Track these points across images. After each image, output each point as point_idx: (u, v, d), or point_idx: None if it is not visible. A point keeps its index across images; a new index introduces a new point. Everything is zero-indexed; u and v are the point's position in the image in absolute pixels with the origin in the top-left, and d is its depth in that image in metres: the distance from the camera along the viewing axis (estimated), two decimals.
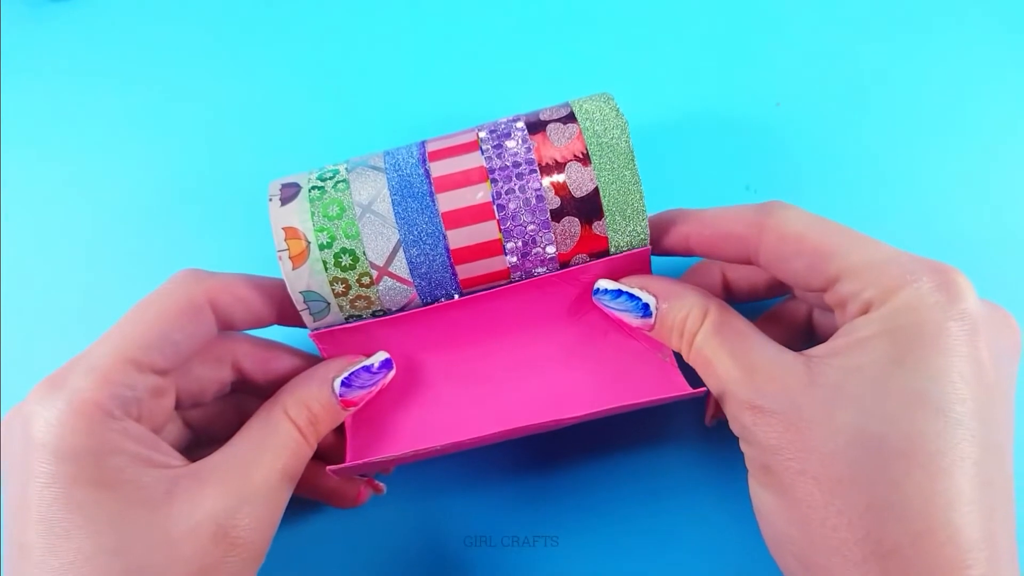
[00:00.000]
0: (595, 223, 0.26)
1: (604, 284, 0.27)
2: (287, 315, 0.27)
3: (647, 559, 0.30)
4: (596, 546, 0.31)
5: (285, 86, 0.36)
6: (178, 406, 0.26)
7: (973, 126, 0.35)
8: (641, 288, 0.26)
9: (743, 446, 0.24)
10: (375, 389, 0.27)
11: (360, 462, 0.27)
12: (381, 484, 0.30)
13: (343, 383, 0.26)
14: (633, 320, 0.26)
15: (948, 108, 0.35)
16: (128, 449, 0.22)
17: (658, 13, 0.37)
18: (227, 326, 0.26)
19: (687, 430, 0.32)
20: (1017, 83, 0.35)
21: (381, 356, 0.27)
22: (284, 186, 0.27)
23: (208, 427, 0.28)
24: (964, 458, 0.21)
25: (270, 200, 0.26)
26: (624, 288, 0.26)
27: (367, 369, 0.27)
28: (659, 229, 0.28)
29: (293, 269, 0.25)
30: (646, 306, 0.26)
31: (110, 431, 0.22)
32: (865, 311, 0.23)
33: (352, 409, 0.27)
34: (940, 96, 0.35)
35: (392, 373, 0.27)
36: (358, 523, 0.30)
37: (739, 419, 0.24)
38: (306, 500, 0.30)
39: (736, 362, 0.24)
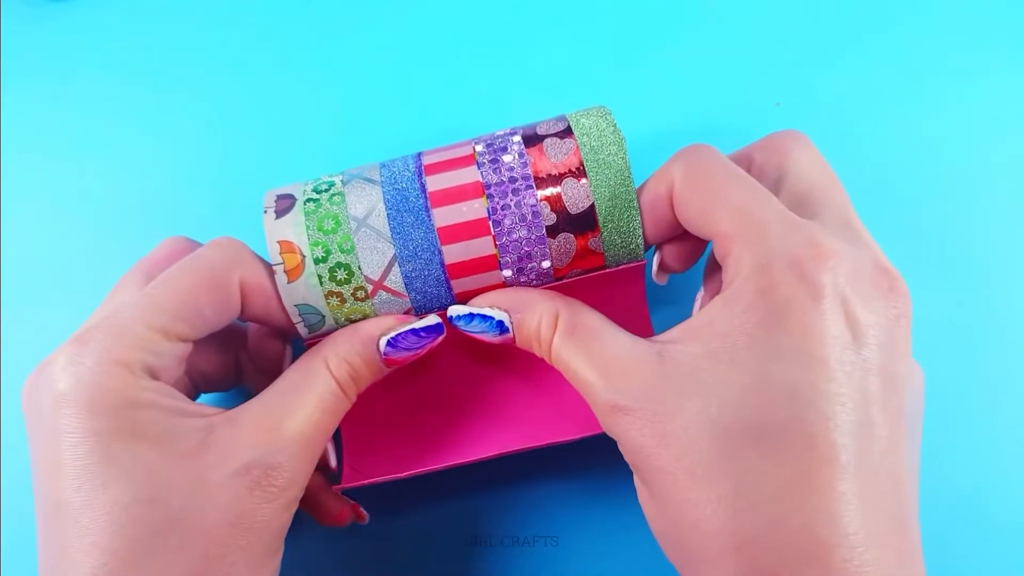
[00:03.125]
0: (591, 239, 0.26)
1: (454, 311, 0.26)
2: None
3: (647, 559, 0.30)
4: (596, 546, 0.31)
5: (285, 87, 0.36)
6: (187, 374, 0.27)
7: (973, 125, 0.35)
8: (491, 306, 0.26)
9: (619, 446, 0.23)
10: (421, 352, 0.26)
11: (360, 483, 0.27)
12: (365, 513, 0.30)
13: (389, 343, 0.25)
14: (495, 339, 0.26)
15: (948, 108, 0.35)
16: (160, 403, 0.22)
17: (657, 13, 0.37)
18: (243, 313, 0.26)
19: None
20: (1018, 83, 0.35)
21: (431, 320, 0.26)
22: (279, 197, 0.27)
23: (209, 377, 0.29)
24: (822, 442, 0.20)
25: (265, 212, 0.26)
26: (474, 310, 0.26)
27: (415, 332, 0.26)
28: None
29: (288, 283, 0.25)
30: (500, 323, 0.25)
31: (141, 388, 0.22)
32: (727, 284, 0.22)
33: (395, 367, 0.26)
34: (940, 96, 0.35)
35: (442, 337, 0.26)
36: (358, 523, 0.30)
37: (604, 421, 0.23)
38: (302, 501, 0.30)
39: (591, 363, 0.23)
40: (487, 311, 0.26)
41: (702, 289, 0.29)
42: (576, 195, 0.25)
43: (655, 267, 0.29)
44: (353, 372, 0.25)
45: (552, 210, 0.25)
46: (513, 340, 0.26)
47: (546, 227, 0.26)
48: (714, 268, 0.28)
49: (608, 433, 0.23)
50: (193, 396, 0.29)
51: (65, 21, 0.37)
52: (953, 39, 0.36)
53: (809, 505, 0.19)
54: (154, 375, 0.23)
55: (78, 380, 0.22)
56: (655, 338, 0.23)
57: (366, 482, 0.27)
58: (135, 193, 0.35)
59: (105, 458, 0.21)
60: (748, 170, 0.25)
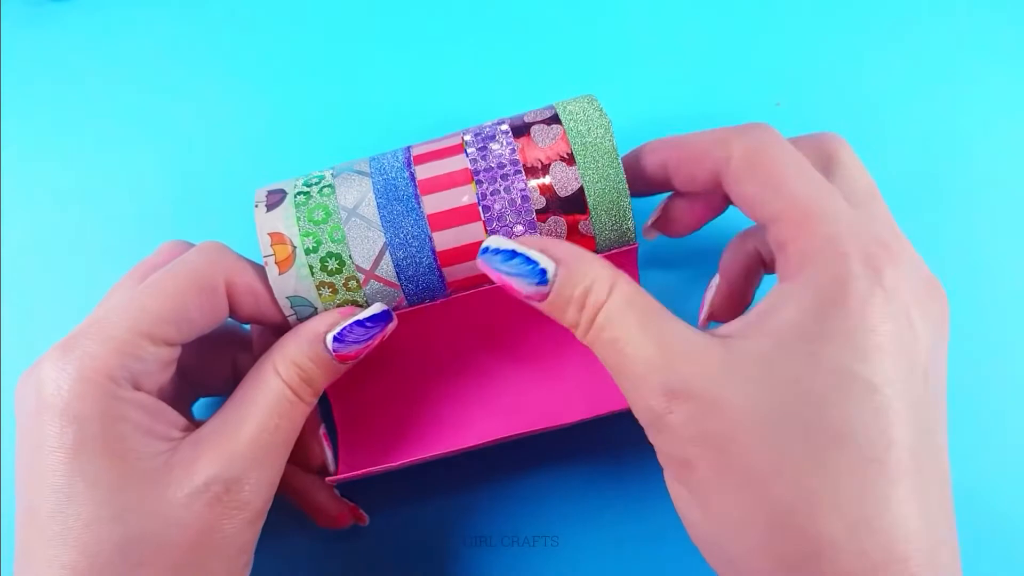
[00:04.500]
0: (581, 222, 0.26)
1: (495, 242, 0.24)
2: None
3: (647, 559, 0.30)
4: (596, 546, 0.31)
5: (286, 86, 0.36)
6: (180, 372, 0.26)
7: (975, 125, 0.35)
8: (541, 250, 0.23)
9: (654, 437, 0.22)
10: (373, 343, 0.25)
11: (353, 475, 0.27)
12: (364, 515, 0.30)
13: (336, 338, 0.25)
14: (525, 287, 0.23)
15: (949, 107, 0.35)
16: (133, 418, 0.22)
17: (657, 13, 0.37)
18: (234, 315, 0.26)
19: None
20: (1019, 83, 0.35)
21: (376, 308, 0.25)
22: (270, 192, 0.27)
23: (205, 381, 0.29)
24: (896, 443, 0.19)
25: (256, 206, 0.26)
26: (519, 248, 0.23)
27: (360, 323, 0.25)
28: (635, 161, 0.27)
29: (280, 274, 0.25)
30: (543, 272, 0.22)
31: (117, 399, 0.22)
32: (790, 273, 0.21)
33: (352, 362, 0.26)
34: (941, 95, 0.35)
35: (392, 325, 0.26)
36: (358, 524, 0.30)
37: (650, 405, 0.21)
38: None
39: (648, 340, 0.21)
40: (534, 254, 0.23)
41: (717, 277, 0.29)
42: (565, 178, 0.25)
43: (651, 220, 0.29)
44: (304, 374, 0.25)
45: (541, 194, 0.25)
46: (544, 296, 0.23)
47: (536, 211, 0.26)
48: (739, 256, 0.28)
49: (647, 420, 0.22)
50: (191, 400, 0.29)
51: (65, 21, 0.37)
52: (954, 38, 0.36)
53: (894, 508, 0.19)
54: (137, 383, 0.23)
55: (58, 388, 0.22)
56: (712, 331, 0.22)
57: (361, 473, 0.27)
58: (135, 193, 0.35)
59: (72, 471, 0.21)
60: (726, 179, 0.25)
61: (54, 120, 0.36)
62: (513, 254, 0.23)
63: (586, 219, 0.26)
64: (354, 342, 0.25)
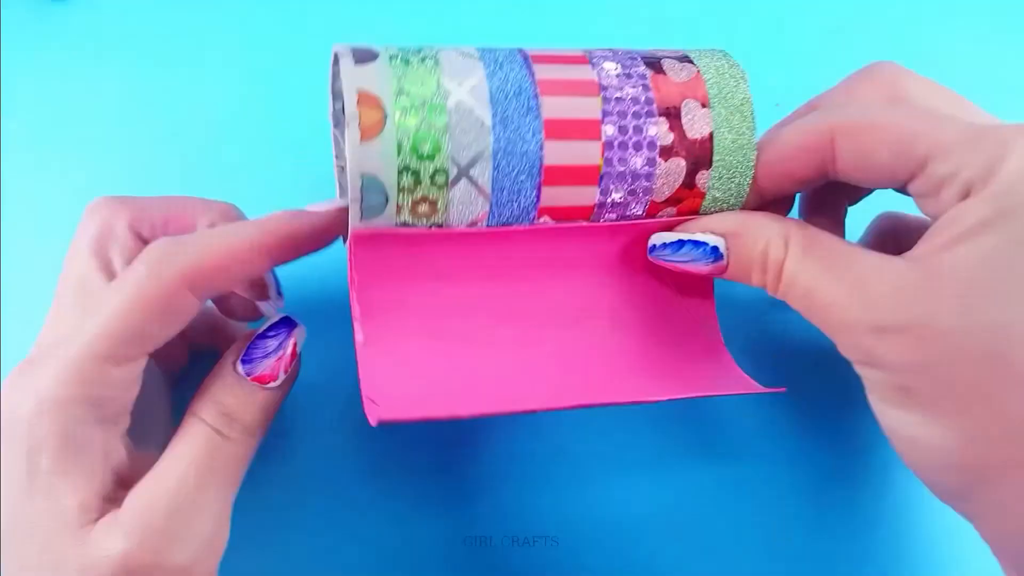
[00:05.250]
0: (700, 172, 0.24)
1: (661, 238, 0.24)
2: (280, 257, 0.24)
3: (647, 559, 0.30)
4: (596, 546, 0.30)
5: (286, 86, 0.36)
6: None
7: None
8: (703, 231, 0.24)
9: (863, 371, 0.21)
10: (286, 356, 0.24)
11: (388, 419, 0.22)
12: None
13: (243, 361, 0.23)
14: (703, 268, 0.24)
15: None
16: (85, 455, 0.22)
17: (656, 14, 0.37)
18: (214, 297, 0.25)
19: (687, 430, 0.32)
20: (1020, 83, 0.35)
21: (274, 318, 0.24)
22: (357, 49, 0.22)
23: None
24: None
25: (340, 58, 0.22)
26: (684, 236, 0.24)
27: (262, 336, 0.24)
28: (777, 136, 0.26)
29: (360, 142, 0.21)
30: (715, 249, 0.23)
31: (74, 431, 0.21)
32: (965, 194, 0.20)
33: (275, 384, 0.24)
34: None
35: (298, 330, 0.24)
36: (358, 522, 0.30)
37: (860, 345, 0.21)
38: (304, 504, 0.30)
39: (841, 283, 0.21)
40: (699, 236, 0.24)
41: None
42: (696, 121, 0.23)
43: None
44: (224, 408, 0.23)
45: (669, 129, 0.23)
46: (725, 268, 0.24)
47: (660, 147, 0.23)
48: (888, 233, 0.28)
49: (857, 357, 0.21)
50: (172, 382, 0.28)
51: (65, 21, 0.37)
52: (955, 38, 0.36)
53: None
54: (100, 405, 0.22)
55: (12, 413, 0.21)
56: (903, 256, 0.21)
57: (394, 418, 0.22)
58: (136, 192, 0.35)
59: (15, 504, 0.21)
60: (833, 166, 0.24)
61: (54, 120, 0.36)
62: (681, 243, 0.24)
63: (707, 171, 0.24)
64: (263, 357, 0.24)
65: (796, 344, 0.33)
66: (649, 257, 0.25)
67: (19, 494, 0.21)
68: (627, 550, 0.30)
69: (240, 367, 0.23)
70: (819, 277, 0.21)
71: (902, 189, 0.23)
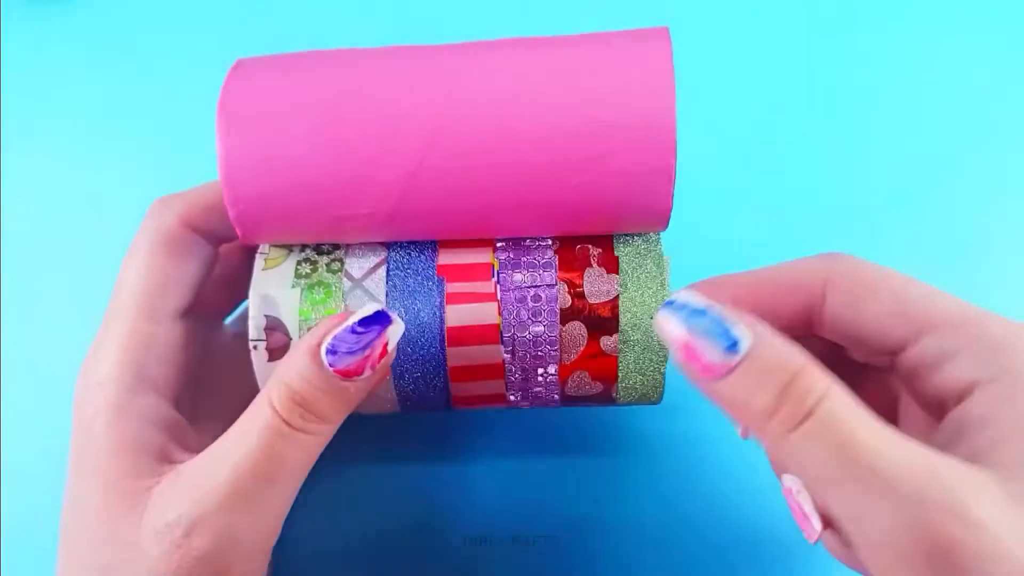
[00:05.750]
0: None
1: (684, 297, 0.20)
2: None
3: (647, 559, 0.30)
4: (596, 546, 0.30)
5: None
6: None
7: (976, 124, 0.35)
8: (736, 317, 0.19)
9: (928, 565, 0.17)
10: (373, 356, 0.21)
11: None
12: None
13: (328, 351, 0.21)
14: (710, 352, 0.19)
15: (951, 106, 0.35)
16: (137, 428, 0.22)
17: (656, 14, 0.37)
18: (219, 241, 0.25)
19: (687, 430, 0.32)
20: (1019, 88, 0.35)
21: (370, 308, 0.22)
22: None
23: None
24: None
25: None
26: (709, 306, 0.19)
27: (351, 330, 0.21)
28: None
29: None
30: (735, 340, 0.18)
31: (128, 406, 0.22)
32: (972, 379, 0.19)
33: (359, 380, 0.21)
34: (942, 95, 0.35)
35: (393, 328, 0.22)
36: (358, 522, 0.30)
37: (927, 522, 0.17)
38: (303, 504, 0.30)
39: (901, 452, 0.17)
40: (724, 313, 0.19)
41: (793, 482, 0.23)
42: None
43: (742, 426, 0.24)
44: (297, 395, 0.21)
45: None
46: (730, 369, 0.18)
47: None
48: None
49: (919, 550, 0.17)
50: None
51: (65, 21, 0.37)
52: (955, 38, 0.36)
53: None
54: (144, 368, 0.23)
55: (80, 413, 0.22)
56: (988, 464, 0.18)
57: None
58: (135, 193, 0.35)
59: (71, 485, 0.22)
60: (821, 311, 0.23)
61: (54, 120, 0.36)
62: (702, 312, 0.19)
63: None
64: (348, 352, 0.21)
65: None
66: (657, 314, 0.20)
67: (74, 467, 0.22)
68: (627, 550, 0.30)
69: (324, 355, 0.21)
70: (871, 434, 0.17)
71: (886, 358, 0.22)
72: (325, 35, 0.37)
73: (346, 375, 0.21)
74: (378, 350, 0.21)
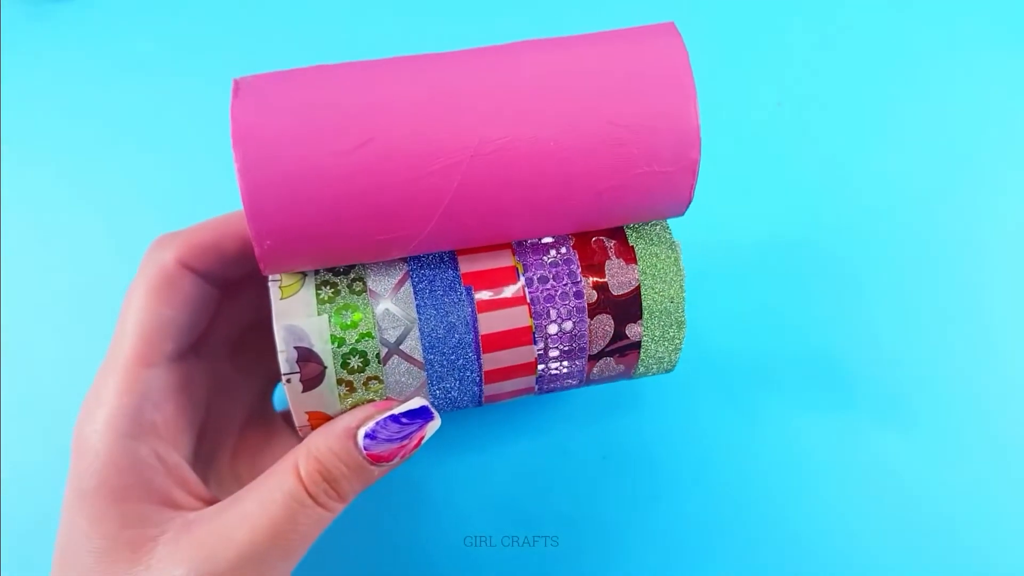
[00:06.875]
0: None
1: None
2: None
3: (647, 559, 0.30)
4: (596, 546, 0.30)
5: None
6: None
7: (977, 124, 0.35)
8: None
9: None
10: (410, 444, 0.23)
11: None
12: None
13: (367, 435, 0.22)
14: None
15: (951, 106, 0.35)
16: (142, 472, 0.21)
17: (656, 14, 0.37)
18: (220, 281, 0.25)
19: (686, 430, 0.32)
20: (1019, 84, 0.35)
21: (415, 403, 0.23)
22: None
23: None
24: None
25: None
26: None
27: (395, 419, 0.22)
28: None
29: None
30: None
31: (132, 467, 0.21)
32: None
33: (386, 466, 0.23)
34: (943, 95, 0.35)
35: (432, 424, 0.23)
36: (358, 522, 0.30)
37: None
38: None
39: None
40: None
41: None
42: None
43: None
44: (325, 471, 0.22)
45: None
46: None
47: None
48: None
49: None
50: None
51: (65, 21, 0.37)
52: (955, 38, 0.36)
53: None
54: (141, 413, 0.22)
55: (79, 428, 0.22)
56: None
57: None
58: (135, 193, 0.35)
59: (67, 524, 0.21)
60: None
61: (54, 120, 0.36)
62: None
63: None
64: (387, 440, 0.22)
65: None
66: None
67: (69, 515, 0.21)
68: (627, 550, 0.30)
69: (360, 438, 0.22)
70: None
71: None
72: (325, 34, 0.37)
73: (377, 460, 0.22)
74: (414, 441, 0.23)
